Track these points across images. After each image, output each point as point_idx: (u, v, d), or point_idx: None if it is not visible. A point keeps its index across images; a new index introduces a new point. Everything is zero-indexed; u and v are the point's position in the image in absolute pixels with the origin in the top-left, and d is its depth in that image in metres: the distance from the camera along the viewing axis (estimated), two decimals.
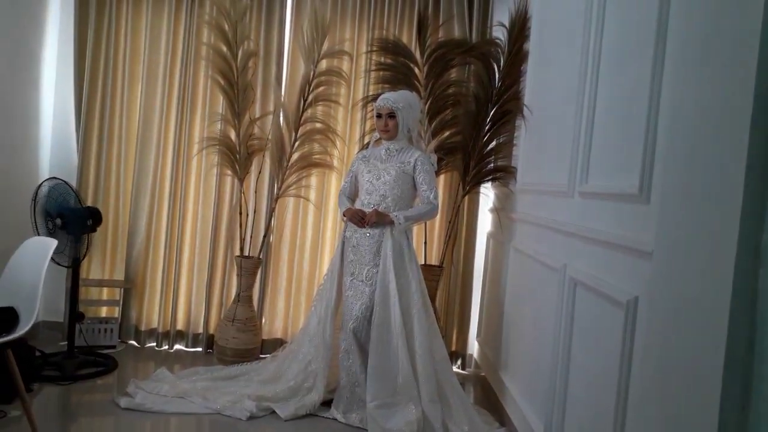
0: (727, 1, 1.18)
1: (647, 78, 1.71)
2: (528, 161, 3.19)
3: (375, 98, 3.51)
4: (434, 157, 3.20)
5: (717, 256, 1.11)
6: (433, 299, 3.47)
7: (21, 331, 2.43)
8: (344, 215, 3.11)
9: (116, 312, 3.93)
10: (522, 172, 3.27)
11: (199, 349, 3.96)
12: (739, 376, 1.07)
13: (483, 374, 3.80)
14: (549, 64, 2.95)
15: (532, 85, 3.24)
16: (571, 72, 2.42)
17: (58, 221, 3.27)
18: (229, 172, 3.85)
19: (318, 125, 3.85)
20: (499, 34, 3.61)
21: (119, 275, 3.97)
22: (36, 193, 3.29)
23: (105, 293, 3.98)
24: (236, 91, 3.73)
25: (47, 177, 3.58)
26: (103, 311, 3.97)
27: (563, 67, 2.59)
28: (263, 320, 3.96)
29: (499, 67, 3.54)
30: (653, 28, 1.71)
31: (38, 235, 3.20)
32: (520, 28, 3.39)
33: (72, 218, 3.29)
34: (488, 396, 3.46)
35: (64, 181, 3.34)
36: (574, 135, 2.33)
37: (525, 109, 3.25)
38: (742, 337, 1.06)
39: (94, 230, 3.47)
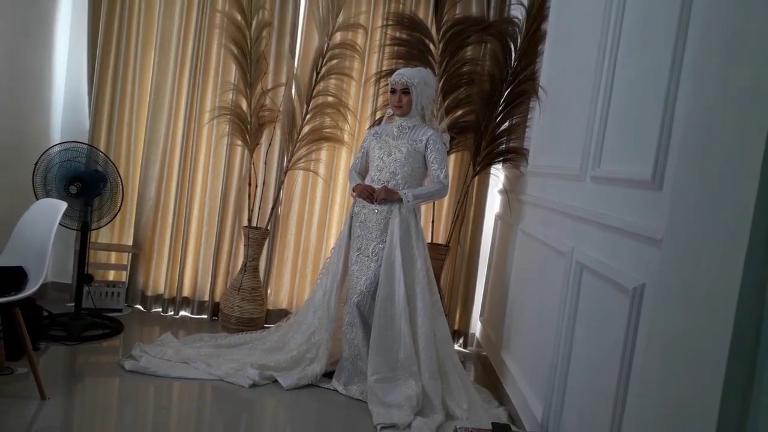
0: None
1: (667, 64, 1.69)
2: (540, 143, 3.17)
3: (388, 74, 3.48)
4: (447, 137, 3.18)
5: (728, 246, 1.11)
6: (438, 278, 3.49)
7: (29, 290, 2.47)
8: (354, 190, 3.11)
9: (123, 276, 3.97)
10: (534, 154, 3.24)
11: (204, 316, 4.00)
12: (743, 367, 1.07)
13: (484, 353, 3.83)
14: (567, 46, 2.91)
15: (549, 66, 3.20)
16: (589, 54, 2.38)
17: (77, 185, 3.26)
18: (239, 142, 3.85)
19: (330, 99, 3.83)
20: (517, 12, 3.56)
21: (128, 240, 4.00)
22: (40, 157, 3.27)
23: (113, 257, 4.02)
24: (249, 61, 3.71)
25: (59, 141, 3.58)
26: (111, 275, 4.01)
27: (581, 50, 2.55)
28: (269, 291, 3.99)
29: (515, 46, 3.48)
30: (675, 13, 1.67)
31: (37, 199, 3.19)
32: (538, 7, 3.34)
33: (91, 183, 3.30)
34: (489, 375, 3.49)
35: (90, 145, 3.31)
36: (588, 118, 2.30)
37: (540, 90, 3.21)
38: (748, 328, 1.06)
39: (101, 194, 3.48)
